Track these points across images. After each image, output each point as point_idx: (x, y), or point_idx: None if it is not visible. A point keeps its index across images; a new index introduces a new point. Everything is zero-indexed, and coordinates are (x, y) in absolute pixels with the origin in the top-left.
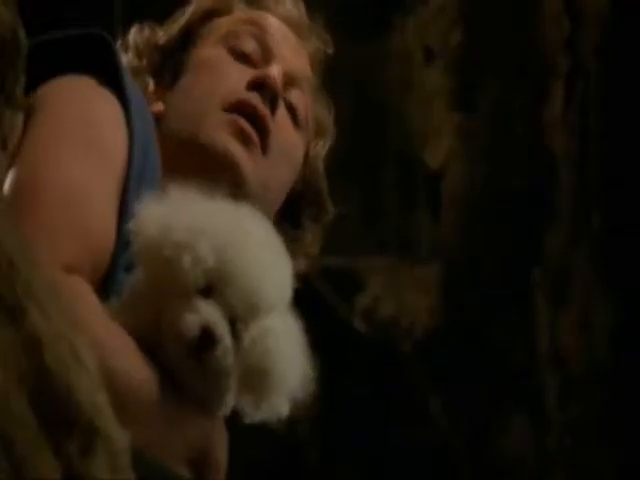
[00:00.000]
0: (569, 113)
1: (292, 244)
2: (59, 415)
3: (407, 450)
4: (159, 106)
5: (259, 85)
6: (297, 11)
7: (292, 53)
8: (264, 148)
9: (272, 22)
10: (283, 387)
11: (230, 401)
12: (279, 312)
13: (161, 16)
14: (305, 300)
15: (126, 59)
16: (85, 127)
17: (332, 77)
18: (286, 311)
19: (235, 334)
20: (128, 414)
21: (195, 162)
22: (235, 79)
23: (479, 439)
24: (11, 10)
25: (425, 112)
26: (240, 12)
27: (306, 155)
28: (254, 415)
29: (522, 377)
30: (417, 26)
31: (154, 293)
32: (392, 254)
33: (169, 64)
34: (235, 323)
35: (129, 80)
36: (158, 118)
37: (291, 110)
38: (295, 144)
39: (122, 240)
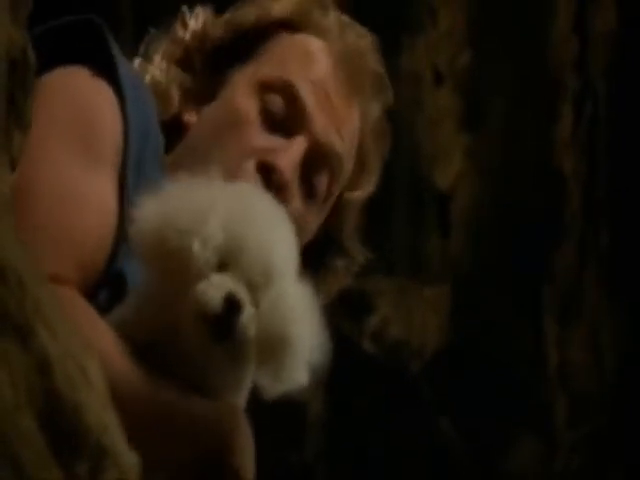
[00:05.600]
0: (578, 133)
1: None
2: (68, 435)
3: (417, 469)
4: (192, 116)
5: (267, 170)
6: (361, 47)
7: (330, 114)
8: None
9: (318, 73)
10: (302, 353)
11: (249, 381)
12: (290, 278)
13: (170, 12)
14: None
15: (180, 39)
16: (77, 124)
17: None
18: (295, 277)
19: (254, 303)
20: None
21: None
22: (249, 149)
23: (488, 458)
24: (21, 30)
25: (434, 133)
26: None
27: (336, 203)
28: (274, 388)
29: (531, 396)
30: (426, 47)
31: (166, 290)
32: (401, 275)
33: (213, 78)
34: (252, 292)
35: (123, 63)
36: (188, 126)
37: (308, 185)
38: (300, 219)
39: (124, 230)
